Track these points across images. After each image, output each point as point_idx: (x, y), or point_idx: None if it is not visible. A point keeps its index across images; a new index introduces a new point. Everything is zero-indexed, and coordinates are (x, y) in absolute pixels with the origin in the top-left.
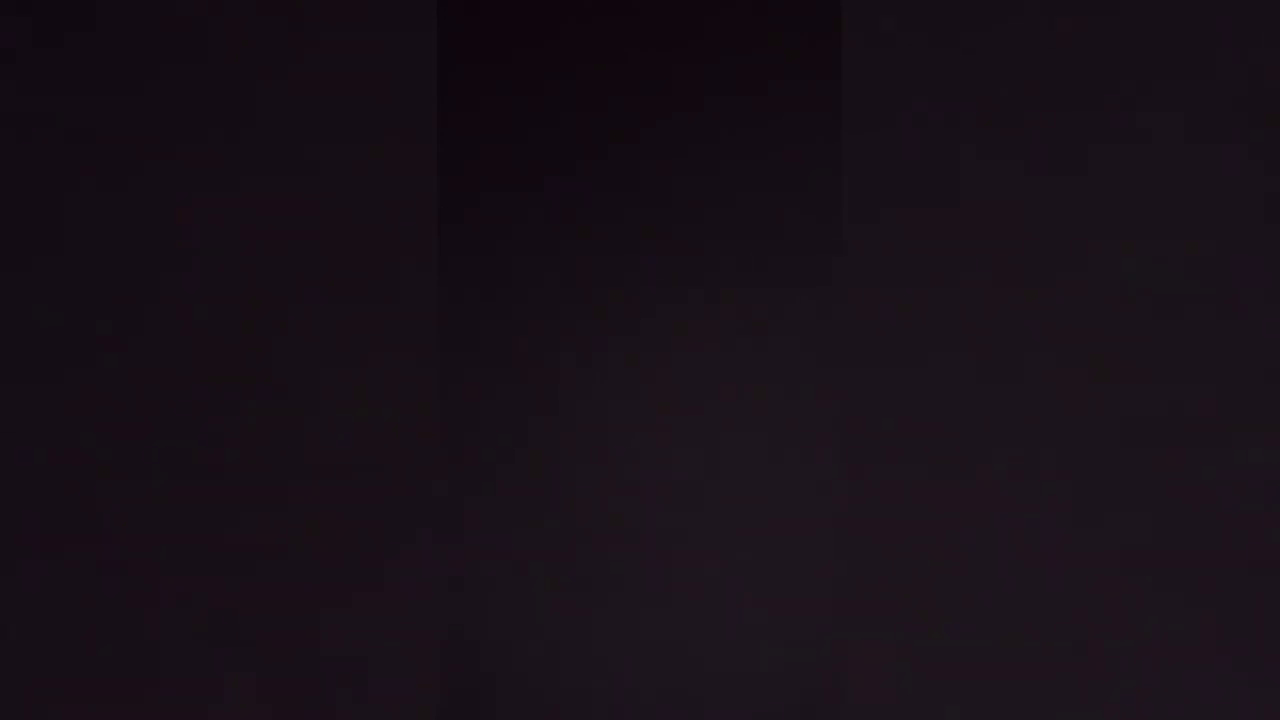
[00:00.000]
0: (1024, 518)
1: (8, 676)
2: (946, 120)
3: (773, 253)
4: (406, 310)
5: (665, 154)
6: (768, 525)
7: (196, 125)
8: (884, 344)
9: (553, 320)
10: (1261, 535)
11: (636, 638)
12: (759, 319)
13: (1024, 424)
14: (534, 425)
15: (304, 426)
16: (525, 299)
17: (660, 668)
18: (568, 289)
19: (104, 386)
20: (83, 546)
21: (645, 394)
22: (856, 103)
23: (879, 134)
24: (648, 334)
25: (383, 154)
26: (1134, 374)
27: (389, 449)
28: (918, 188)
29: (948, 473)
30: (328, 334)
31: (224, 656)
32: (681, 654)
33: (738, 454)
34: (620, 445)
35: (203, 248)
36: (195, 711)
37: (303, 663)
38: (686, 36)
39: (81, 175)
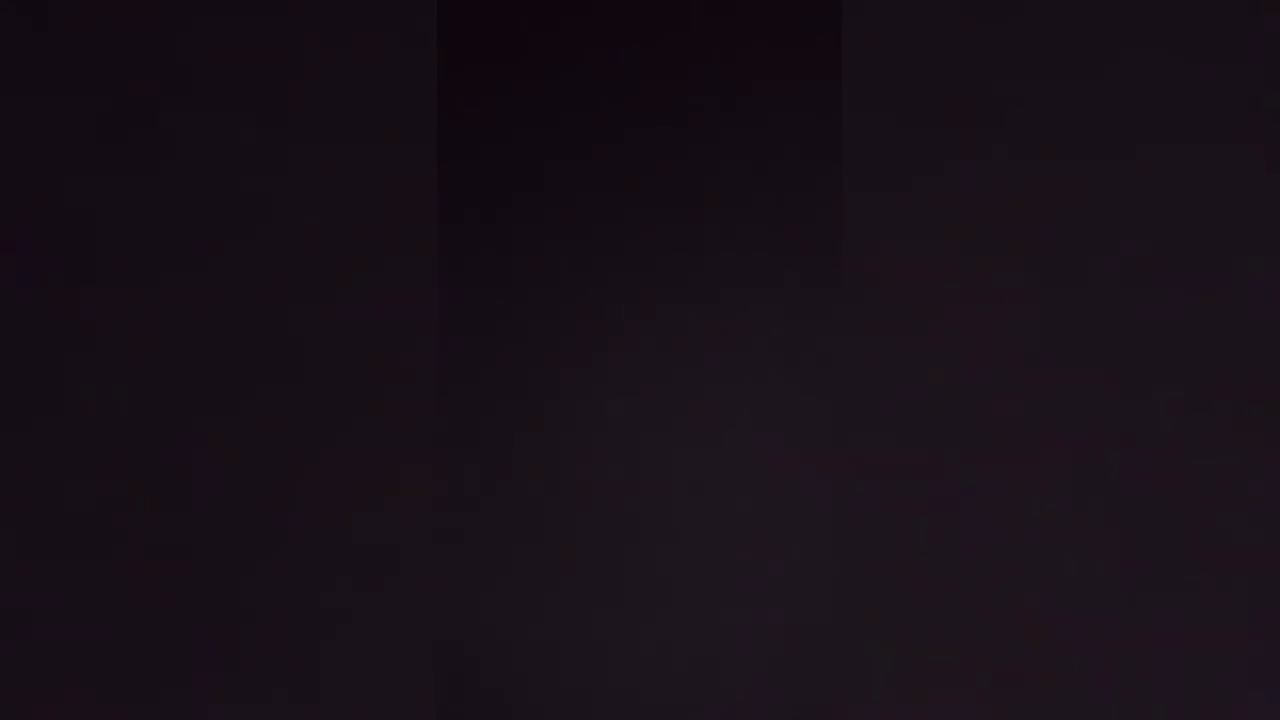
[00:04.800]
0: (1024, 517)
1: (6, 676)
2: (946, 120)
3: (773, 253)
4: (406, 310)
5: (665, 154)
6: (768, 525)
7: (195, 124)
8: (884, 344)
9: (553, 320)
10: (1263, 536)
11: (635, 638)
12: (759, 319)
13: (1024, 423)
14: (534, 425)
15: (303, 426)
16: (525, 299)
17: (659, 668)
18: (567, 289)
19: (101, 387)
20: (80, 546)
21: (645, 394)
22: (856, 103)
23: (879, 134)
24: (647, 334)
25: (383, 154)
26: (1135, 373)
27: (389, 449)
28: (918, 187)
29: (948, 472)
30: (327, 333)
31: (221, 657)
32: (681, 654)
33: (738, 453)
34: (620, 445)
35: (202, 247)
36: (192, 712)
37: (301, 664)
38: (686, 37)
39: (81, 175)
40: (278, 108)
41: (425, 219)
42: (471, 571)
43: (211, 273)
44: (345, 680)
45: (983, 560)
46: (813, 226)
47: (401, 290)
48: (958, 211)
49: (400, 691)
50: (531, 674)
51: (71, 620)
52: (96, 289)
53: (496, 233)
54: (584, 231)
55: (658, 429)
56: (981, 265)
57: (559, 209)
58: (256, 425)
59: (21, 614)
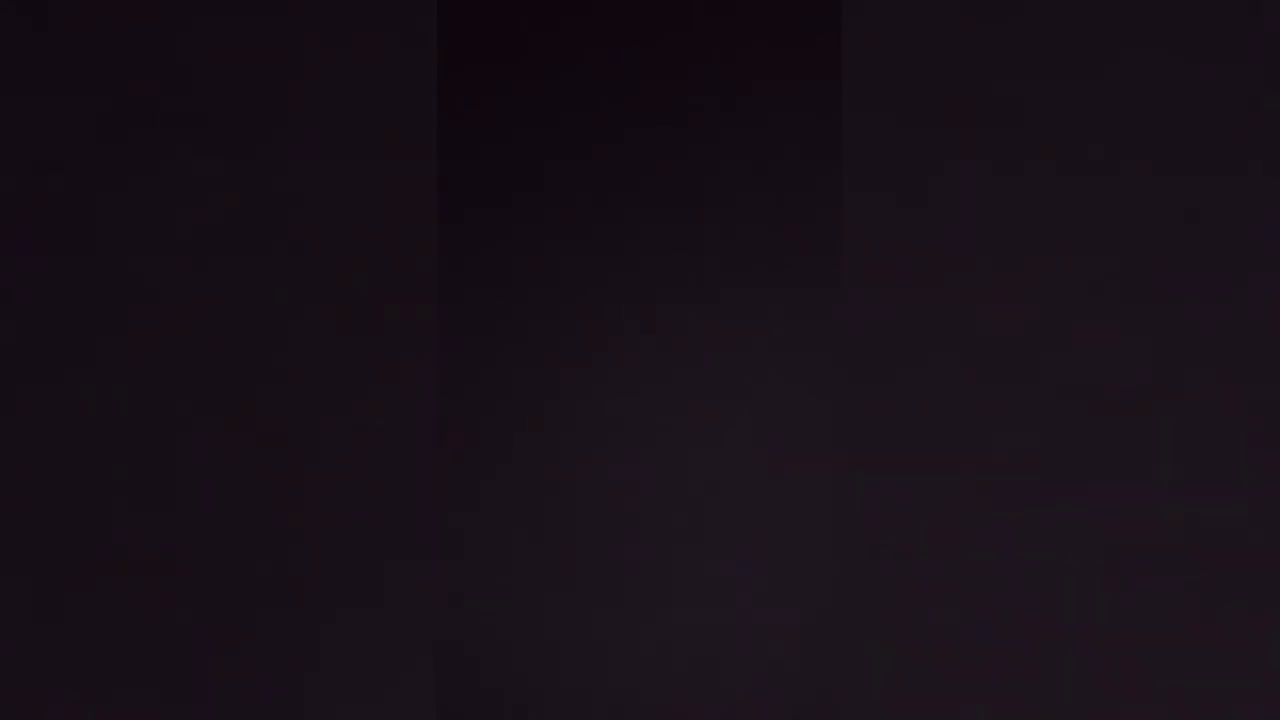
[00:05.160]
0: (1024, 516)
1: (5, 677)
2: (946, 120)
3: (773, 253)
4: (406, 310)
5: (665, 154)
6: (768, 525)
7: (195, 125)
8: (884, 344)
9: (552, 320)
10: (1261, 536)
11: (635, 638)
12: (759, 319)
13: (1023, 423)
14: (533, 425)
15: (302, 427)
16: (525, 299)
17: (659, 668)
18: (567, 289)
19: (102, 387)
20: (79, 547)
21: (645, 394)
22: (856, 103)
23: (879, 134)
24: (647, 334)
25: (383, 154)
26: (1135, 372)
27: (388, 450)
28: (917, 188)
29: (947, 473)
30: (327, 334)
31: (220, 657)
32: (681, 654)
33: (738, 454)
34: (619, 445)
35: (202, 248)
36: (192, 712)
37: (301, 663)
38: (686, 37)
39: (81, 175)
40: (278, 108)
41: (425, 219)
42: (471, 571)
43: (211, 273)
44: (345, 680)
45: (983, 560)
46: (813, 226)
47: (401, 290)
48: (958, 211)
49: (400, 691)
50: (531, 674)
51: (69, 620)
52: (96, 289)
53: (496, 233)
54: (584, 231)
55: (657, 429)
56: (981, 265)
57: (559, 209)
58: (256, 425)
59: (20, 613)
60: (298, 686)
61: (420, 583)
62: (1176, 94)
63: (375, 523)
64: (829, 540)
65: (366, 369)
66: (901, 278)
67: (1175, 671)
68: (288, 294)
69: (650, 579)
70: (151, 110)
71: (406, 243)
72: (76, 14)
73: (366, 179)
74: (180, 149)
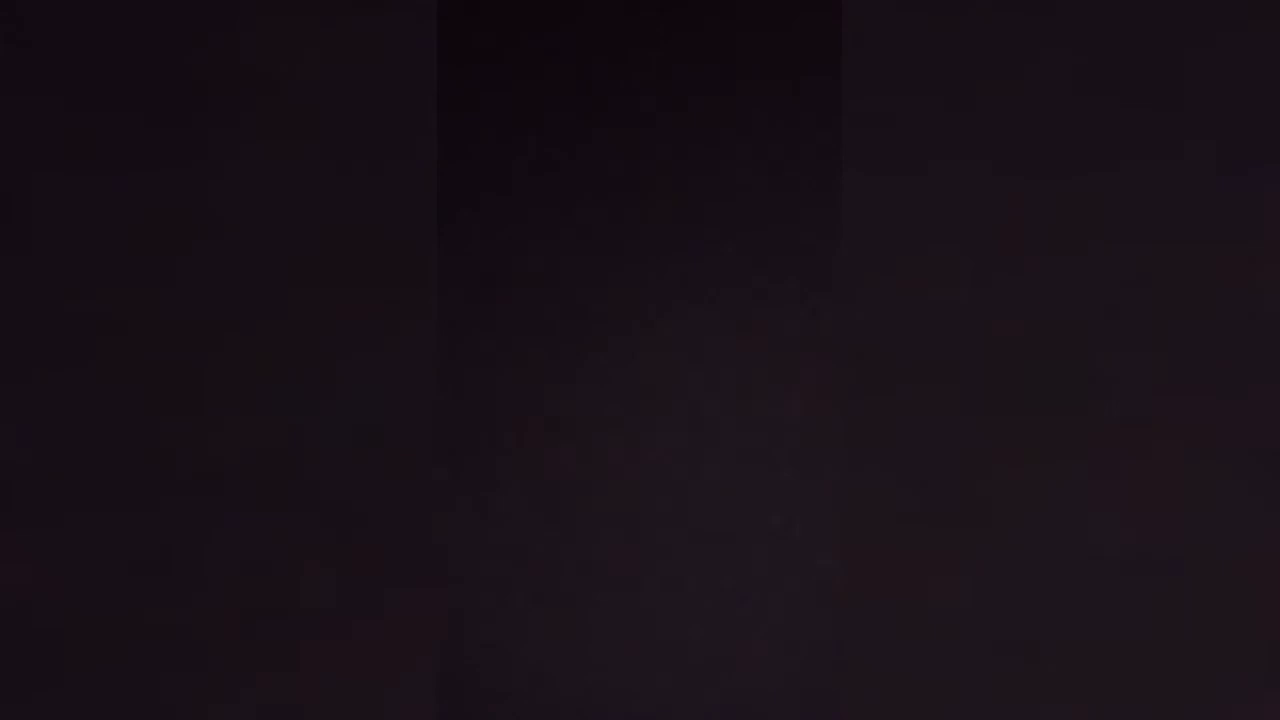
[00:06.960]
0: (1025, 517)
1: (5, 677)
2: (946, 119)
3: (773, 253)
4: (406, 310)
5: (665, 154)
6: (768, 525)
7: (196, 125)
8: (884, 344)
9: (552, 320)
10: (1259, 536)
11: (636, 638)
12: (759, 319)
13: (1023, 423)
14: (533, 425)
15: (303, 426)
16: (525, 299)
17: (660, 669)
18: (567, 289)
19: (100, 386)
20: (80, 546)
21: (644, 394)
22: (856, 103)
23: (879, 133)
24: (647, 334)
25: (383, 154)
26: (1133, 373)
27: (388, 449)
28: (917, 188)
29: (948, 472)
30: (327, 333)
31: (221, 657)
32: (682, 654)
33: (738, 454)
34: (619, 445)
35: (202, 247)
36: (192, 712)
37: (302, 664)
38: (687, 36)
39: (82, 174)
40: (278, 107)
41: (425, 219)
42: (473, 571)
43: (212, 272)
44: (346, 680)
45: (983, 561)
46: (812, 227)
47: (401, 290)
48: (957, 211)
49: (400, 691)
50: (532, 674)
51: (71, 620)
52: (96, 288)
53: (496, 233)
54: (584, 231)
55: (657, 429)
56: (981, 265)
57: (558, 209)
58: (256, 425)
59: (23, 615)
60: (299, 687)
61: (420, 583)
62: (1176, 94)
63: (375, 523)
64: (830, 541)
65: (366, 368)
66: (901, 278)
67: (1175, 674)
68: (287, 294)
69: (650, 580)
70: (152, 110)
71: (406, 243)
72: (77, 14)
73: (366, 179)
74: (181, 148)
